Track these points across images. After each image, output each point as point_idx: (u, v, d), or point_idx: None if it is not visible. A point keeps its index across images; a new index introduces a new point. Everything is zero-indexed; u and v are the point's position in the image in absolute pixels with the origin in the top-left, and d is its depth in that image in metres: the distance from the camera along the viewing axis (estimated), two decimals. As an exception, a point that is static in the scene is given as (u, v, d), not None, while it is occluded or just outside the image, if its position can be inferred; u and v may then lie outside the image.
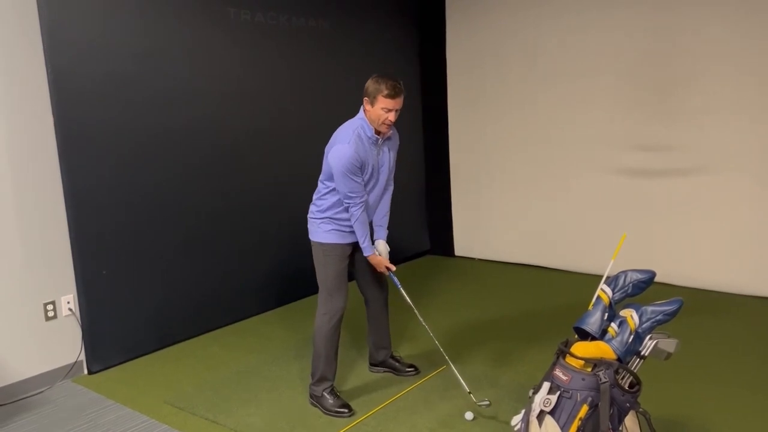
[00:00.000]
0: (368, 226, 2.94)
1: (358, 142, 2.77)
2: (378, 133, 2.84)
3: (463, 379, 2.95)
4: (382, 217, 3.08)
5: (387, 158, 2.95)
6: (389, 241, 3.12)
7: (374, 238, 3.08)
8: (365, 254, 2.95)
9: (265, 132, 4.38)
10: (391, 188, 3.08)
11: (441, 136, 5.72)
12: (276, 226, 4.48)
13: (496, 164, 5.43)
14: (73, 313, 3.50)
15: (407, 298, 3.10)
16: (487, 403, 2.82)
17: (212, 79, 4.01)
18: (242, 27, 4.17)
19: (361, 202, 2.84)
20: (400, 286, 3.09)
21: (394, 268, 3.04)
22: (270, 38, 4.36)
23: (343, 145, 2.74)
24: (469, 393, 2.90)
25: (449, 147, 5.69)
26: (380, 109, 2.75)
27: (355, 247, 3.01)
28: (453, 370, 3.01)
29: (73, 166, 3.36)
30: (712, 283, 4.45)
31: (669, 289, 4.47)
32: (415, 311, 3.12)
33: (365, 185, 2.86)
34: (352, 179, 2.77)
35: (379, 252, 3.02)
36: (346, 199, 2.82)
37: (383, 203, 3.06)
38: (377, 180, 2.93)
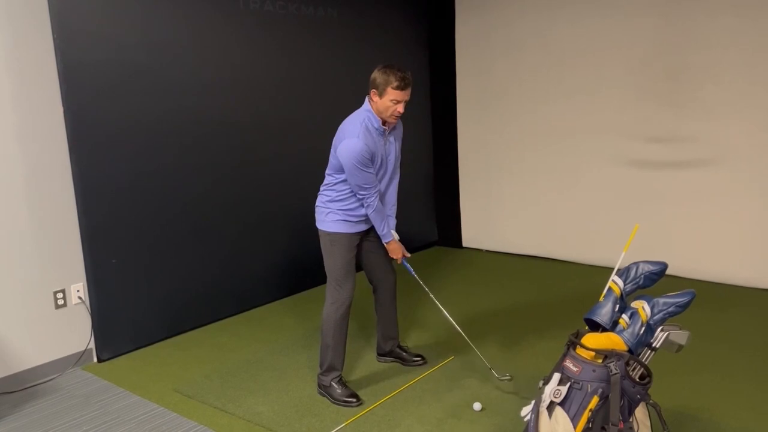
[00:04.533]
0: (384, 214, 2.95)
1: (366, 135, 2.75)
2: (384, 123, 2.84)
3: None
4: (391, 206, 3.08)
5: (393, 148, 2.96)
6: (397, 232, 3.12)
7: None
8: (385, 241, 2.97)
9: (275, 121, 4.37)
10: (397, 177, 3.08)
11: (449, 127, 5.70)
12: (286, 215, 4.48)
13: (504, 155, 5.40)
14: (83, 302, 3.51)
15: (423, 284, 3.19)
16: (509, 377, 2.96)
17: (222, 68, 4.00)
18: (251, 16, 4.15)
19: (375, 192, 2.83)
20: (414, 273, 3.14)
21: (409, 255, 3.09)
22: (279, 27, 4.34)
23: (353, 140, 2.73)
24: (490, 369, 3.03)
25: (458, 138, 5.66)
26: (389, 100, 2.73)
27: (363, 236, 3.01)
28: (473, 348, 3.15)
29: (83, 156, 3.37)
30: (725, 276, 4.41)
31: (681, 281, 4.44)
32: (432, 296, 3.19)
33: (376, 175, 2.85)
34: (365, 171, 2.76)
35: None
36: (360, 191, 2.81)
37: (391, 192, 3.06)
38: (386, 170, 2.94)
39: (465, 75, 5.51)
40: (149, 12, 3.59)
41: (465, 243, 5.81)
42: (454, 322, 3.19)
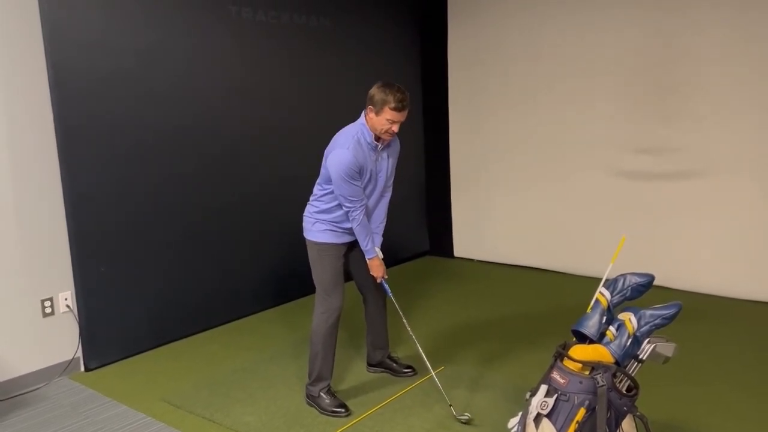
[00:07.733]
0: (370, 229, 2.93)
1: (357, 148, 2.76)
2: (378, 139, 2.84)
3: (445, 391, 2.94)
4: (378, 224, 3.05)
5: (386, 164, 2.94)
6: (386, 244, 3.11)
7: None
8: (368, 257, 2.95)
9: (265, 131, 4.38)
10: (388, 194, 3.06)
11: (441, 136, 5.72)
12: (276, 224, 4.48)
13: (496, 165, 5.42)
14: (71, 310, 3.49)
15: (398, 307, 3.12)
16: (466, 417, 2.79)
17: (213, 77, 4.01)
18: (243, 25, 4.16)
19: (362, 206, 2.83)
20: (391, 294, 3.09)
21: (386, 276, 3.05)
22: (271, 36, 4.35)
23: (342, 150, 2.73)
24: (450, 405, 2.88)
25: (449, 147, 5.69)
26: (385, 119, 2.74)
27: (350, 246, 3.01)
28: (435, 382, 2.99)
29: (73, 163, 3.36)
30: (712, 288, 4.44)
31: (668, 292, 4.46)
32: (404, 321, 3.12)
33: (363, 189, 2.85)
34: (352, 183, 2.76)
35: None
36: (346, 203, 2.80)
37: (380, 209, 3.04)
38: (375, 185, 2.92)
39: (457, 84, 5.54)
40: (141, 20, 3.60)
41: (456, 253, 5.81)
42: (420, 350, 3.07)
